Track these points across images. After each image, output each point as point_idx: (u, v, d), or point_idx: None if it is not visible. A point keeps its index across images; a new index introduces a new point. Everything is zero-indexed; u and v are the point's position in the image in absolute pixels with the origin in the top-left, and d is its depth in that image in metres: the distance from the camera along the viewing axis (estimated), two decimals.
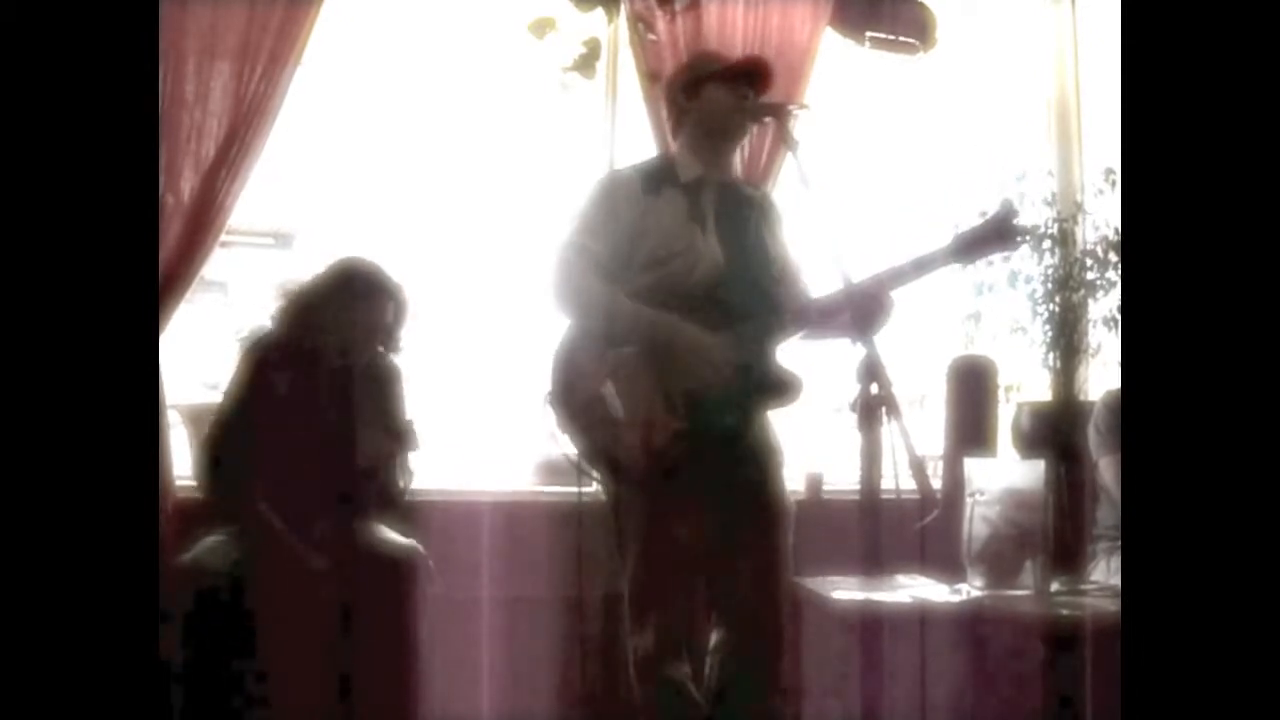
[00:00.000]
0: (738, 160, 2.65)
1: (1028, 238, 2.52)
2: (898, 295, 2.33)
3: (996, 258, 3.30)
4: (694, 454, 2.29)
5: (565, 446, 2.37)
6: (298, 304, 2.71)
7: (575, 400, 2.33)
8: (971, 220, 2.44)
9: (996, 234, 2.34)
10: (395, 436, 2.67)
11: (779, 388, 2.40)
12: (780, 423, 2.51)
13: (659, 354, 2.32)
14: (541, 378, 2.38)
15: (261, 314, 2.76)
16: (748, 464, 2.41)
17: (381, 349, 2.76)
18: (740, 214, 2.47)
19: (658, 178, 2.45)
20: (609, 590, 2.99)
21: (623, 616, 2.46)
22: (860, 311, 2.22)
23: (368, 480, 2.68)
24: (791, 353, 2.44)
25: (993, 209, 2.38)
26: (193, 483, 2.78)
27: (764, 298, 2.40)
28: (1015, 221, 2.35)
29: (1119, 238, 3.38)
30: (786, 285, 2.48)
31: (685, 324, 2.32)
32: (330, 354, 2.68)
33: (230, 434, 2.60)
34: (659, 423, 2.29)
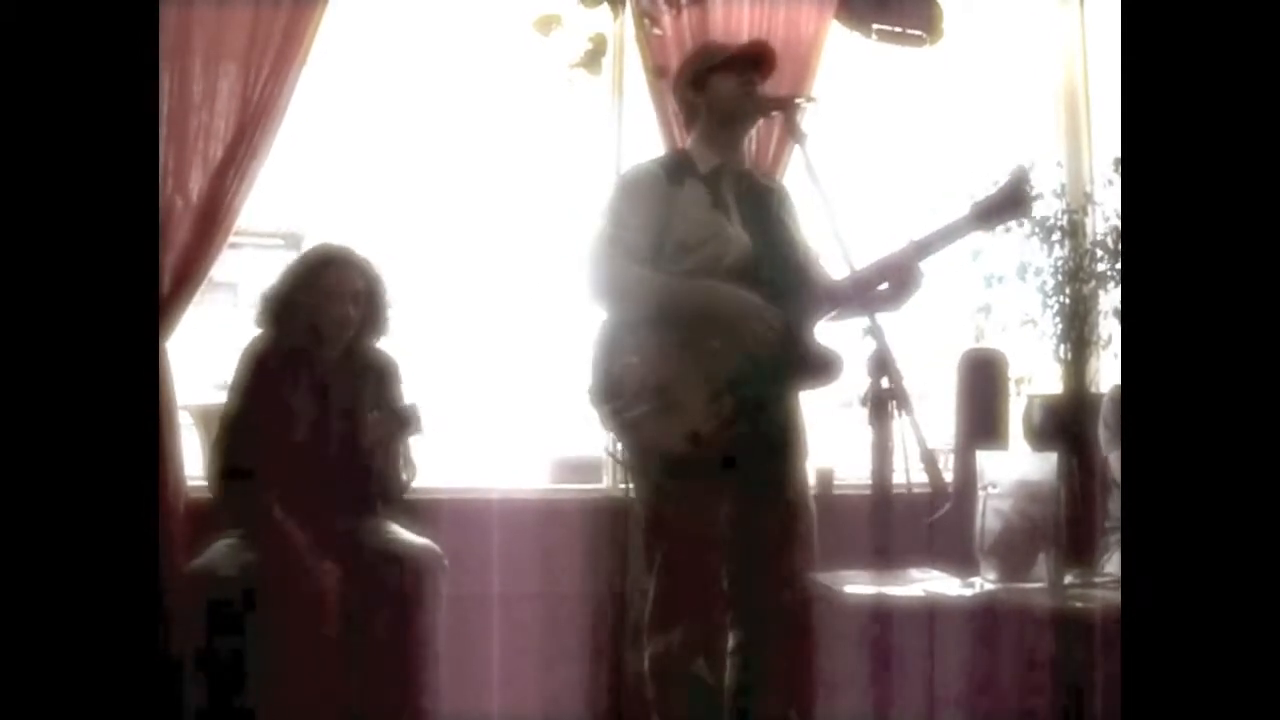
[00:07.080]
0: (746, 153, 2.64)
1: (1039, 201, 2.51)
2: (923, 269, 2.33)
3: (1007, 246, 3.31)
4: (738, 442, 2.28)
5: (608, 442, 2.38)
6: (274, 300, 2.70)
7: (618, 393, 2.31)
8: (986, 189, 2.45)
9: (1011, 200, 2.34)
10: (397, 418, 2.66)
11: (821, 366, 2.38)
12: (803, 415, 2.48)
13: (702, 327, 2.30)
14: (579, 372, 2.36)
15: (249, 316, 2.75)
16: (779, 455, 2.40)
17: (371, 338, 2.75)
18: (761, 201, 2.48)
19: (678, 170, 2.45)
20: (626, 588, 3.00)
21: (634, 614, 2.44)
22: (894, 284, 2.29)
23: (370, 474, 2.68)
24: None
25: (1005, 177, 2.39)
26: (205, 483, 2.79)
27: (797, 279, 2.39)
28: (1027, 187, 2.35)
29: None
30: (810, 270, 2.48)
31: (725, 285, 2.31)
32: (315, 343, 2.68)
33: (236, 437, 2.60)
34: (704, 410, 2.27)
